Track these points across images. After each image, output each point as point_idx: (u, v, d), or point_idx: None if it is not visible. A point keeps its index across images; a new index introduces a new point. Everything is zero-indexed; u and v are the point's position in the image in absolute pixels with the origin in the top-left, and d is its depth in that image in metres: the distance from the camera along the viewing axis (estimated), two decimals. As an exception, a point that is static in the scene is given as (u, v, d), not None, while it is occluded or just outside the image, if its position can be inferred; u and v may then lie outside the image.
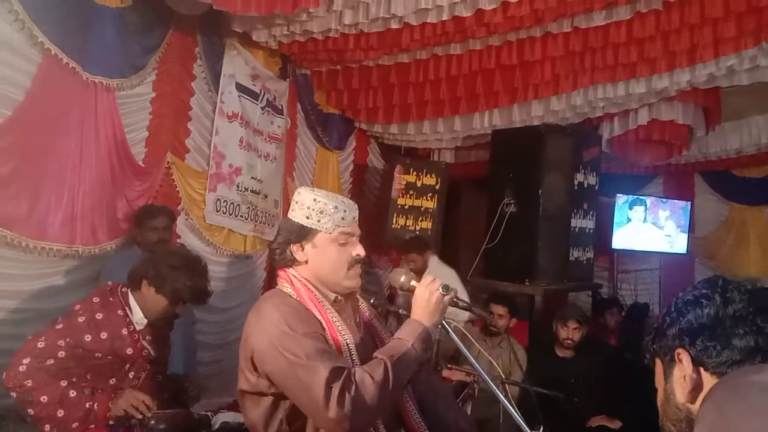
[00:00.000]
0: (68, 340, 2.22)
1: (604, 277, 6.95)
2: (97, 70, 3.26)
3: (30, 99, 2.96)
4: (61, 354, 2.21)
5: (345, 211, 1.81)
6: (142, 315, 2.37)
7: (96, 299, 2.35)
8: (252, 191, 4.63)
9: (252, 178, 4.61)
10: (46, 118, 3.06)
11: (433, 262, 4.44)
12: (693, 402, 1.01)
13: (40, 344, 2.21)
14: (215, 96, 4.22)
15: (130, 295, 2.37)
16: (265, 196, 4.77)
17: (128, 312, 2.35)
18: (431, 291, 1.75)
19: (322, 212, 1.78)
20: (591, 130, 5.51)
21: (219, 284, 4.25)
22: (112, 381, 2.32)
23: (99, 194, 3.35)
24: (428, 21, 3.78)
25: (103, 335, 2.26)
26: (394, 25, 3.84)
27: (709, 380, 1.00)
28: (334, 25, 3.81)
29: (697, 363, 1.01)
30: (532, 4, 3.54)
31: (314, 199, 1.80)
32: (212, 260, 4.27)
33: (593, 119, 5.36)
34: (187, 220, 4.06)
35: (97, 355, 2.26)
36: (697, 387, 1.00)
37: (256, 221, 4.67)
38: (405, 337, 1.70)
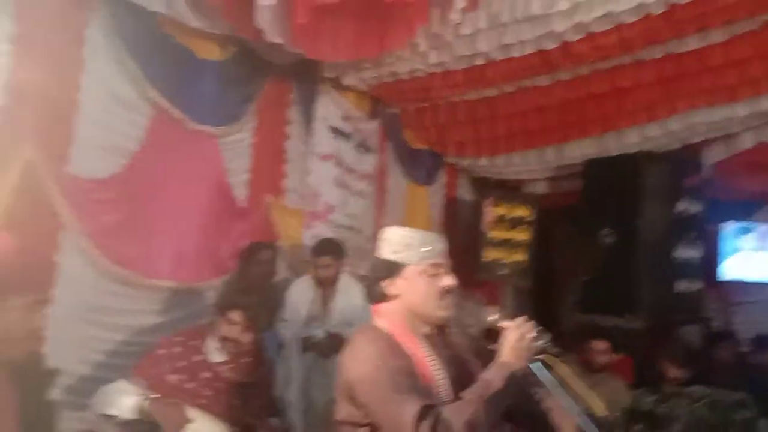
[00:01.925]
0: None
1: (717, 310, 6.52)
2: (201, 119, 3.52)
3: (143, 149, 3.23)
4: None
5: (431, 243, 1.85)
6: (217, 344, 2.51)
7: (178, 338, 2.57)
8: (346, 227, 4.76)
9: (345, 214, 4.75)
10: (157, 165, 3.32)
11: (344, 277, 3.96)
12: None
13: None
14: (309, 139, 4.41)
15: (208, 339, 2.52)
16: (358, 232, 4.89)
17: (202, 344, 2.51)
18: (522, 333, 1.74)
19: (408, 246, 1.83)
20: (692, 155, 5.26)
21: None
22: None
23: (204, 235, 3.58)
24: (513, 55, 3.80)
25: (183, 363, 2.45)
26: (479, 62, 3.89)
27: None
28: (420, 65, 3.92)
29: None
30: (620, 33, 3.49)
31: (401, 235, 1.86)
32: (308, 295, 4.43)
33: (694, 144, 5.12)
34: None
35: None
36: None
37: (350, 256, 4.78)
38: (493, 379, 1.69)
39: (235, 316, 2.47)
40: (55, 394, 2.02)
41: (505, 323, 1.80)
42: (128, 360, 3.10)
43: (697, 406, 0.79)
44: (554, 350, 1.79)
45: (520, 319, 1.78)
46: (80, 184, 2.98)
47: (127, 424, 2.35)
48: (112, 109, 3.14)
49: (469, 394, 1.67)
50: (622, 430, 0.82)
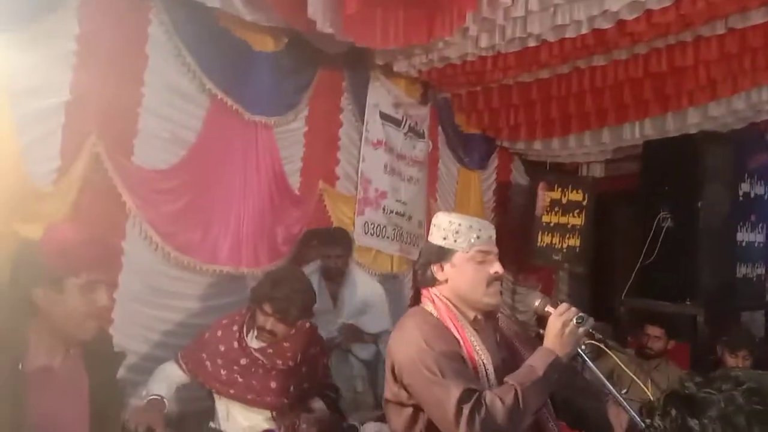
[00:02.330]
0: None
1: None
2: (257, 110, 3.61)
3: (201, 139, 3.36)
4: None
5: (480, 230, 1.87)
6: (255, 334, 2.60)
7: (225, 320, 2.68)
8: (397, 213, 4.80)
9: (397, 200, 4.79)
10: (215, 155, 3.44)
11: (354, 268, 3.84)
12: None
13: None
14: (361, 126, 4.46)
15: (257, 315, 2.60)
16: (410, 218, 4.92)
17: (241, 329, 2.61)
18: (564, 321, 1.74)
19: (457, 233, 1.86)
20: (756, 135, 5.05)
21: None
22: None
23: (261, 222, 3.68)
24: (567, 36, 3.73)
25: (221, 347, 2.57)
26: (532, 43, 3.84)
27: None
28: (471, 50, 3.89)
29: None
30: (678, 9, 3.37)
31: (450, 221, 1.89)
32: (362, 280, 4.51)
33: (759, 123, 4.91)
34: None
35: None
36: None
37: (401, 242, 4.84)
38: (536, 365, 1.71)
39: (267, 308, 2.52)
40: (121, 374, 2.14)
41: (549, 309, 1.81)
42: (185, 340, 3.27)
43: (736, 392, 0.77)
44: (598, 336, 1.79)
45: (563, 306, 1.78)
46: (143, 174, 3.13)
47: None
48: (172, 102, 3.27)
49: (512, 379, 1.70)
50: (660, 413, 0.81)
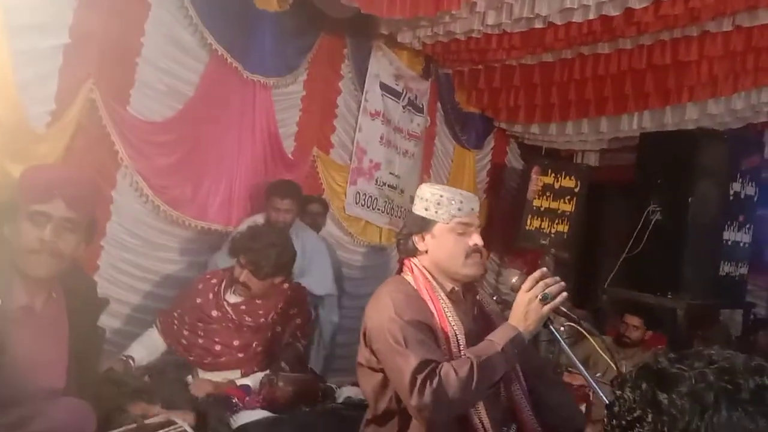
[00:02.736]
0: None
1: (762, 297, 6.35)
2: (256, 69, 3.58)
3: (197, 94, 3.34)
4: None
5: (462, 202, 1.87)
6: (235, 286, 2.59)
7: (208, 275, 2.67)
8: (389, 186, 4.81)
9: (390, 173, 4.79)
10: (211, 112, 3.43)
11: (299, 224, 3.60)
12: None
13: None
14: (360, 95, 4.44)
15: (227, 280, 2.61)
16: (402, 192, 4.93)
17: (220, 281, 2.61)
18: (530, 298, 1.73)
19: (439, 204, 1.87)
20: (752, 136, 5.06)
21: (354, 272, 4.50)
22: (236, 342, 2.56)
23: (253, 182, 3.68)
24: (574, 20, 3.71)
25: (198, 300, 2.58)
26: (538, 25, 3.81)
27: None
28: (477, 26, 3.86)
29: None
30: (687, 2, 3.36)
31: (432, 193, 1.89)
32: (349, 249, 4.54)
33: (756, 125, 4.93)
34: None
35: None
36: None
37: (391, 215, 4.85)
38: (496, 340, 1.71)
39: (242, 259, 2.51)
40: (102, 322, 2.15)
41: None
42: (172, 292, 3.29)
43: (708, 370, 0.79)
44: (573, 316, 1.78)
45: (528, 282, 1.75)
46: (138, 125, 3.11)
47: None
48: (171, 55, 3.24)
49: (470, 352, 1.71)
50: (630, 386, 0.83)
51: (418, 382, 1.62)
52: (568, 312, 1.74)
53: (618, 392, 0.89)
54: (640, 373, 0.88)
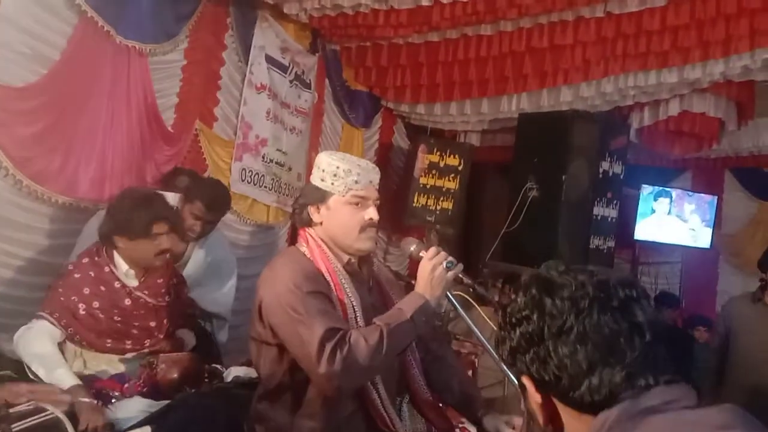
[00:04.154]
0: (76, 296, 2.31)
1: (625, 269, 6.90)
2: (131, 34, 3.32)
3: (65, 59, 3.04)
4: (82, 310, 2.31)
5: (359, 174, 1.85)
6: (128, 268, 2.42)
7: (85, 259, 2.42)
8: (277, 163, 4.69)
9: (277, 150, 4.67)
10: (80, 78, 3.14)
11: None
12: None
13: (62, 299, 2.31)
14: (245, 67, 4.26)
15: (114, 253, 2.41)
16: (290, 169, 4.83)
17: (113, 269, 2.40)
18: (434, 265, 1.76)
19: (335, 175, 1.84)
20: (620, 118, 5.45)
21: (240, 252, 4.34)
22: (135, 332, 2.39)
23: (129, 156, 3.43)
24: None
25: (102, 288, 2.34)
26: (425, 3, 3.85)
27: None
28: (365, 0, 3.83)
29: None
30: (564, -15, 3.52)
31: (329, 163, 1.86)
32: (235, 228, 4.38)
33: (623, 108, 5.29)
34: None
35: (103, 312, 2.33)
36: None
37: (279, 193, 4.74)
38: (404, 308, 1.74)
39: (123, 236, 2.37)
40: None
41: (423, 254, 1.84)
42: (39, 278, 3.01)
43: (588, 281, 0.95)
44: (468, 281, 1.84)
45: (432, 250, 1.80)
46: (-4, 90, 2.80)
47: None
48: (34, 14, 2.92)
49: (379, 320, 1.72)
50: (522, 291, 1.00)
51: (327, 349, 1.60)
52: (463, 277, 1.78)
53: (513, 296, 1.04)
54: (531, 280, 1.02)
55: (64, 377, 2.08)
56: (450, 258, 1.78)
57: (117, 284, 2.38)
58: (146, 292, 2.44)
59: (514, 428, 1.93)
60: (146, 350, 2.39)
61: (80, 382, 2.08)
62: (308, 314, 1.67)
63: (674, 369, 0.93)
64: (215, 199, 3.23)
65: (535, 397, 0.98)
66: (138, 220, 2.33)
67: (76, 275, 2.36)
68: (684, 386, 0.91)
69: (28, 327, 2.28)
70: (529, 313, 0.98)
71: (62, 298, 2.32)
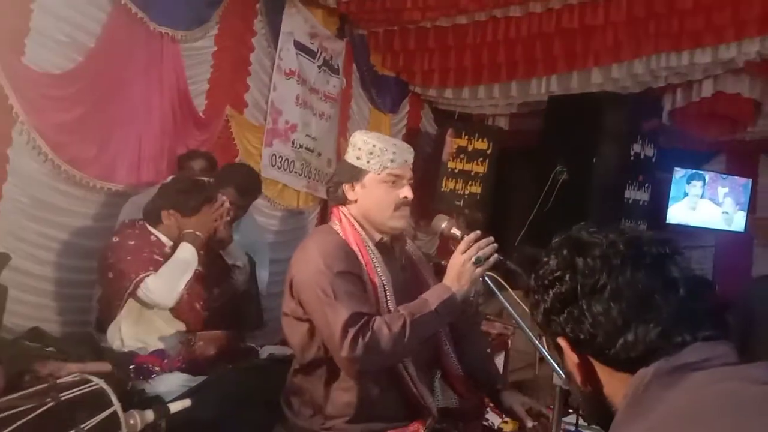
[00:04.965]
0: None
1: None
2: (163, 21, 3.38)
3: (100, 46, 3.11)
4: None
5: (395, 153, 1.87)
6: (172, 243, 2.53)
7: (128, 230, 2.54)
8: (306, 148, 4.73)
9: (307, 135, 4.71)
10: (115, 65, 3.21)
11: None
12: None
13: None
14: (274, 52, 4.30)
15: (151, 228, 2.55)
16: (319, 154, 4.87)
17: (158, 237, 2.53)
18: (465, 259, 1.77)
19: (371, 153, 1.86)
20: (652, 100, 5.35)
21: (271, 237, 4.41)
22: None
23: (161, 141, 3.50)
24: (487, -20, 3.75)
25: (146, 252, 2.45)
26: (453, -16, 3.84)
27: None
28: (393, -17, 3.83)
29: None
30: (596, -36, 3.47)
31: (365, 141, 1.88)
32: (266, 213, 4.45)
33: (655, 89, 5.20)
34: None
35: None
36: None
37: (309, 178, 4.79)
38: (430, 299, 1.75)
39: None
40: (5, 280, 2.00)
41: (455, 231, 1.85)
42: (78, 261, 3.10)
43: (618, 239, 0.95)
44: (496, 277, 1.83)
45: (463, 244, 1.79)
46: (35, 77, 2.86)
47: None
48: (70, 1, 2.99)
49: (404, 309, 1.73)
50: (553, 253, 1.01)
51: (350, 334, 1.62)
52: (492, 275, 1.78)
53: (544, 258, 1.04)
54: (562, 242, 1.03)
55: None
56: (480, 253, 1.77)
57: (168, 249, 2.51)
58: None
59: (530, 410, 1.93)
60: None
61: None
62: (336, 296, 1.69)
63: (714, 325, 0.91)
64: (247, 184, 3.29)
65: (572, 358, 0.99)
66: (195, 198, 2.52)
67: (129, 241, 2.47)
68: (724, 343, 0.90)
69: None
70: (561, 274, 0.98)
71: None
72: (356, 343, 1.62)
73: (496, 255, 1.82)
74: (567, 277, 0.97)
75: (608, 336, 0.91)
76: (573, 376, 1.01)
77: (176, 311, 2.44)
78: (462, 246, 1.79)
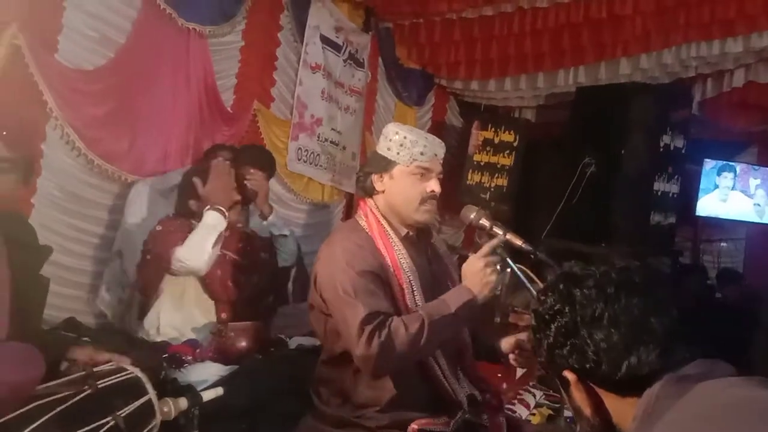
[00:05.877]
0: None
1: (687, 246, 6.71)
2: (191, 17, 3.42)
3: (130, 42, 3.15)
4: None
5: (425, 146, 1.87)
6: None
7: (169, 222, 2.66)
8: (331, 142, 4.75)
9: (332, 129, 4.73)
10: (145, 61, 3.25)
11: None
12: None
13: None
14: (300, 47, 4.32)
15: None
16: (344, 148, 4.89)
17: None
18: (485, 264, 1.77)
19: (401, 145, 1.86)
20: (681, 90, 5.26)
21: (296, 230, 4.43)
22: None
23: (190, 136, 3.54)
24: (514, -29, 3.73)
25: (178, 234, 2.57)
26: (479, -24, 3.81)
27: None
28: (418, -25, 3.82)
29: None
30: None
31: (396, 132, 1.88)
32: (292, 206, 4.48)
33: (685, 79, 5.11)
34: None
35: None
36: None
37: (334, 171, 4.81)
38: (450, 302, 1.75)
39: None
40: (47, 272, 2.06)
41: (485, 222, 1.85)
42: (109, 254, 3.16)
43: (610, 270, 1.05)
44: (528, 247, 1.82)
45: (487, 248, 1.79)
46: (67, 73, 2.92)
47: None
48: (102, -1, 3.05)
49: (423, 309, 1.74)
50: (550, 291, 1.09)
51: (366, 332, 1.63)
52: (525, 246, 1.78)
53: (542, 297, 1.10)
54: (557, 278, 1.10)
55: None
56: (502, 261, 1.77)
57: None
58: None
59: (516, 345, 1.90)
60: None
61: None
62: (355, 295, 1.70)
63: (710, 344, 0.97)
64: (259, 158, 3.30)
65: (579, 390, 1.02)
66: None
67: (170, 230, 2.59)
68: (720, 361, 0.96)
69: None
70: (561, 307, 1.03)
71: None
72: (371, 341, 1.63)
73: (524, 246, 1.82)
74: (566, 309, 1.02)
75: (612, 361, 0.96)
76: (581, 411, 1.05)
77: (211, 289, 2.59)
78: (485, 249, 1.79)
